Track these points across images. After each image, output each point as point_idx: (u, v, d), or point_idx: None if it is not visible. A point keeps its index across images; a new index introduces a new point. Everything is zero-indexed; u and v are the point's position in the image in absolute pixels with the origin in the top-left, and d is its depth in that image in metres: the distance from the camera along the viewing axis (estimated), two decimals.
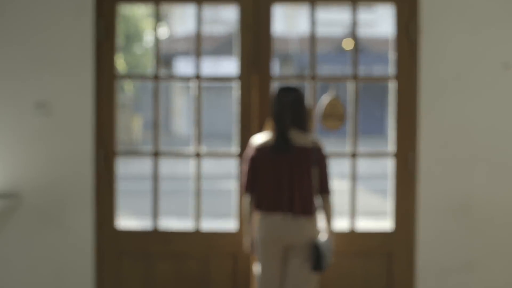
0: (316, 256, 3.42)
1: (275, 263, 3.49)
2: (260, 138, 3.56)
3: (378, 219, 9.35)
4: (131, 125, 17.56)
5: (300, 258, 3.45)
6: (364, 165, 13.75)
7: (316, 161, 3.47)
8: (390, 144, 4.00)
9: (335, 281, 3.95)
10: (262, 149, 3.51)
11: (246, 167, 3.56)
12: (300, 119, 3.52)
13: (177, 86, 20.61)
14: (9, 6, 3.94)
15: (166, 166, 13.74)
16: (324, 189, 3.53)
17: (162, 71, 4.10)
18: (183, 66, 19.29)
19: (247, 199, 3.58)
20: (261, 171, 3.50)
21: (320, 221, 3.54)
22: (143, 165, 13.60)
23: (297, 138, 3.48)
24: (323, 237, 3.51)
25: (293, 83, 3.80)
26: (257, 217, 3.54)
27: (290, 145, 3.46)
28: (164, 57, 18.83)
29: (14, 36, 3.95)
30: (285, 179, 3.45)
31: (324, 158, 3.52)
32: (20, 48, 3.95)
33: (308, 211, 3.45)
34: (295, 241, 3.45)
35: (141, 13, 16.15)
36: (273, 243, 3.47)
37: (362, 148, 4.11)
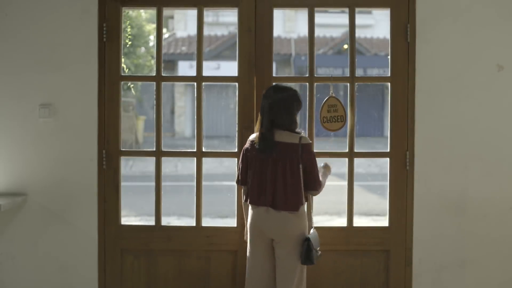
0: (306, 250, 3.48)
1: (261, 251, 3.58)
2: (254, 134, 3.67)
3: (374, 216, 9.42)
4: (135, 126, 17.61)
5: (285, 250, 3.52)
6: (363, 165, 13.86)
7: (301, 158, 3.50)
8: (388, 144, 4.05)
9: (333, 277, 4.03)
10: (252, 145, 3.61)
11: (240, 160, 3.71)
12: (285, 119, 3.54)
13: (180, 87, 20.63)
14: (15, 9, 4.01)
15: (169, 166, 13.84)
16: (310, 186, 3.57)
17: (165, 73, 4.15)
18: (187, 68, 19.33)
19: (242, 190, 3.74)
20: (250, 165, 3.62)
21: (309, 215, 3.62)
22: (147, 164, 13.68)
23: (282, 136, 3.52)
24: (311, 230, 3.59)
25: (285, 83, 3.81)
26: (248, 208, 3.66)
27: (272, 143, 3.50)
28: (167, 59, 18.87)
29: (20, 39, 4.02)
30: (268, 175, 3.52)
31: (311, 155, 3.54)
32: (26, 51, 4.02)
33: (292, 207, 3.50)
34: (279, 234, 3.52)
35: (145, 17, 16.19)
36: (258, 233, 3.57)
37: (361, 148, 4.15)
